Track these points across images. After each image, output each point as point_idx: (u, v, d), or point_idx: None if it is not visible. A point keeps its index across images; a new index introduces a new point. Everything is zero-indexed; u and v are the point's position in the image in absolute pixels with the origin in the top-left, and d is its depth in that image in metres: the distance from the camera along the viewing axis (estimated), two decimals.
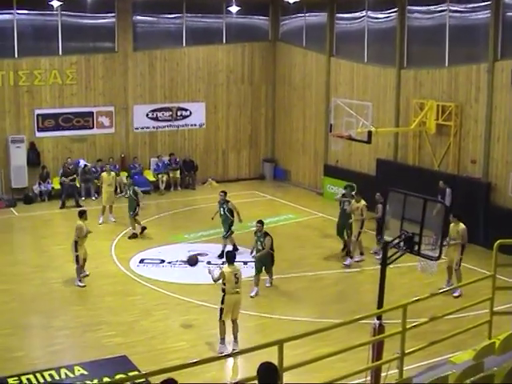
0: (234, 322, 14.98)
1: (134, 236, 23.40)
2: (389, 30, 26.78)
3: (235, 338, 14.91)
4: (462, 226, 18.49)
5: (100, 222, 24.95)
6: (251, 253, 19.07)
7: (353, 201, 21.40)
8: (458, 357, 10.85)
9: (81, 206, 26.15)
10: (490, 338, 11.27)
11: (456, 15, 24.13)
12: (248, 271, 18.79)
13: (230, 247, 21.06)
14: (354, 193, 22.17)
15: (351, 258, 20.90)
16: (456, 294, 17.67)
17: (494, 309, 11.66)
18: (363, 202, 21.20)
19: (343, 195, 22.16)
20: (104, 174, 25.91)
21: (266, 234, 18.57)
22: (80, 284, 18.80)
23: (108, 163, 28.39)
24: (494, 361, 9.71)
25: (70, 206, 27.22)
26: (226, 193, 21.70)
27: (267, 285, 18.76)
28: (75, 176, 28.24)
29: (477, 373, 8.58)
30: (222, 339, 14.86)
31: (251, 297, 17.93)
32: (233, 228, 21.50)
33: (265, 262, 18.53)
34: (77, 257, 18.85)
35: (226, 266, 15.08)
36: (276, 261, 20.54)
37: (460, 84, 23.91)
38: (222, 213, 21.41)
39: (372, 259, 20.99)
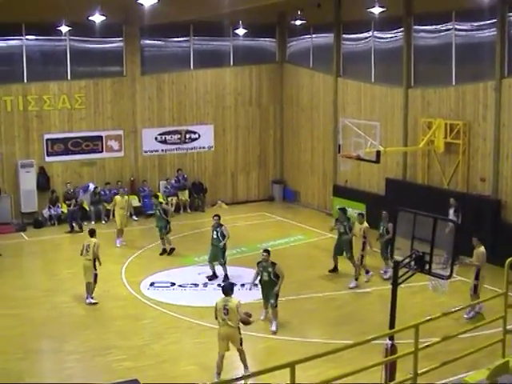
0: (239, 351, 14.52)
1: (164, 252, 24.05)
2: (395, 49, 26.85)
3: (245, 366, 14.53)
4: (480, 249, 17.94)
5: (117, 245, 25.05)
6: (251, 285, 18.20)
7: (356, 222, 21.36)
8: (472, 376, 10.76)
9: (83, 231, 26.42)
10: (504, 357, 11.17)
11: (462, 34, 24.18)
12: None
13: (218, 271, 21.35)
14: (359, 214, 22.07)
15: (356, 279, 20.76)
16: (466, 316, 17.54)
17: (508, 327, 11.56)
18: (365, 224, 21.17)
19: (336, 220, 22.08)
20: (117, 197, 25.87)
21: (274, 263, 17.53)
22: (92, 301, 18.83)
23: (118, 187, 28.49)
24: (509, 379, 9.65)
25: (74, 230, 27.47)
26: (219, 217, 21.65)
27: (273, 329, 17.27)
28: (73, 200, 28.24)
29: None
30: (218, 374, 14.28)
31: (262, 320, 17.73)
32: (226, 254, 21.36)
33: (271, 293, 17.51)
34: (95, 275, 18.96)
35: (221, 296, 14.52)
36: (286, 282, 20.43)
37: (467, 102, 23.92)
38: (215, 236, 21.13)
39: (381, 279, 20.88)
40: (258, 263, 17.83)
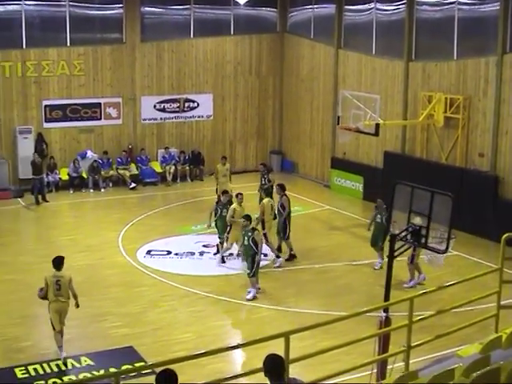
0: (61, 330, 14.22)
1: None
2: (397, 22, 26.68)
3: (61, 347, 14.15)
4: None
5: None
6: (238, 253, 18.52)
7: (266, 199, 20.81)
8: (464, 350, 10.85)
9: (47, 201, 26.49)
10: (497, 332, 11.26)
11: (465, 7, 24.02)
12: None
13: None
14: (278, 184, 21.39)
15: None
16: (406, 285, 18.00)
17: (501, 302, 11.64)
18: (266, 200, 20.79)
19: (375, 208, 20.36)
20: (236, 206, 20.13)
21: (254, 229, 17.86)
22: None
23: (122, 156, 28.44)
24: (501, 354, 9.70)
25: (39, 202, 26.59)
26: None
27: (248, 297, 17.36)
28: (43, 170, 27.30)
29: (483, 366, 8.57)
30: (60, 347, 14.12)
31: (248, 299, 17.34)
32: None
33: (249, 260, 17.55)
34: (227, 238, 19.95)
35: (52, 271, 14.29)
36: (284, 252, 20.56)
37: (468, 77, 23.82)
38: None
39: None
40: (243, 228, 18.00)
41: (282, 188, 20.94)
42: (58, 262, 14.48)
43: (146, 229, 23.36)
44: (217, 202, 21.04)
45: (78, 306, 14.50)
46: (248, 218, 17.99)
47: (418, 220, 11.82)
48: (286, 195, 20.79)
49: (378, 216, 19.66)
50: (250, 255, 17.39)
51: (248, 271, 17.45)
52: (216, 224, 20.48)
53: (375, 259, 20.10)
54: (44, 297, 14.37)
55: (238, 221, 19.11)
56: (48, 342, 14.75)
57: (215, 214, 20.43)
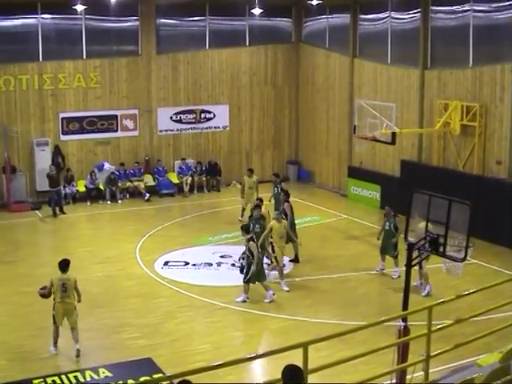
0: (73, 330, 14.81)
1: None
2: (412, 30, 26.65)
3: (76, 341, 14.77)
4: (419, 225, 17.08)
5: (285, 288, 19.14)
6: (239, 258, 19.11)
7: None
8: (483, 359, 10.75)
9: (65, 213, 26.66)
10: None
11: (480, 15, 23.96)
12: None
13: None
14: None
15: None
16: (424, 294, 17.94)
17: None
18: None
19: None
20: (274, 223, 19.37)
21: (251, 238, 17.87)
22: (285, 288, 18.69)
23: (136, 167, 28.52)
24: None
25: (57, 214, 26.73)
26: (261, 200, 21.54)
27: (237, 299, 17.85)
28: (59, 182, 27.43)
29: (503, 375, 8.51)
30: (55, 343, 14.85)
31: (236, 302, 17.71)
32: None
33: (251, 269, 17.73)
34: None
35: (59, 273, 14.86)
36: (301, 262, 20.50)
37: (484, 84, 23.74)
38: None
39: (392, 262, 20.65)
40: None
41: (286, 195, 21.68)
42: (65, 265, 14.91)
43: (163, 240, 23.40)
44: (250, 217, 20.80)
45: (79, 301, 15.01)
46: (243, 228, 18.46)
47: (429, 226, 11.77)
48: (288, 202, 21.23)
49: (387, 223, 19.74)
50: (247, 264, 17.70)
51: (243, 277, 17.82)
52: None
53: (392, 268, 20.02)
54: (44, 295, 15.00)
55: (276, 238, 19.22)
56: (66, 354, 14.79)
57: None
